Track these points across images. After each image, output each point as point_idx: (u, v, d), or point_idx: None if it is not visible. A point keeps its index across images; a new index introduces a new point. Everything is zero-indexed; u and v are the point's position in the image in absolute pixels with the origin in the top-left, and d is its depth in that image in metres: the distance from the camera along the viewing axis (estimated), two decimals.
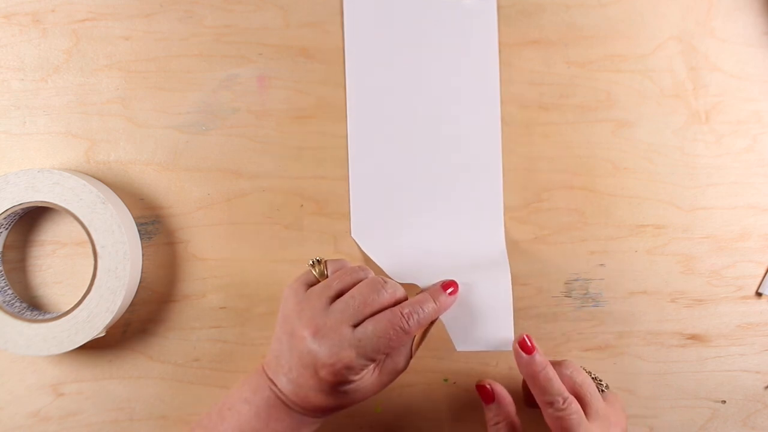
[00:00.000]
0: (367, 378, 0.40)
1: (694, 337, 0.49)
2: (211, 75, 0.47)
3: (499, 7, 0.48)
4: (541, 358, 0.41)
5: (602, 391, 0.44)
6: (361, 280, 0.40)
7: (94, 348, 0.46)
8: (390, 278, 0.42)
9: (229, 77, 0.47)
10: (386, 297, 0.39)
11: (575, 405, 0.40)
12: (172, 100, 0.47)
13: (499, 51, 0.48)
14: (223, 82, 0.47)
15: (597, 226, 0.49)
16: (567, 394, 0.40)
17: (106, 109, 0.47)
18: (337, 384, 0.38)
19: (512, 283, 0.48)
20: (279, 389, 0.40)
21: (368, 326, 0.38)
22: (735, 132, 0.50)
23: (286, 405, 0.40)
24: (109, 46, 0.47)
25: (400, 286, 0.41)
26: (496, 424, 0.43)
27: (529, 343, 0.41)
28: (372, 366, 0.40)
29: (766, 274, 0.50)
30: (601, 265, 0.49)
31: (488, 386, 0.44)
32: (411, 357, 0.42)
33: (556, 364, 0.43)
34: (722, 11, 0.50)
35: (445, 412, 0.49)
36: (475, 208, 0.48)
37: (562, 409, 0.40)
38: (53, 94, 0.46)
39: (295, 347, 0.39)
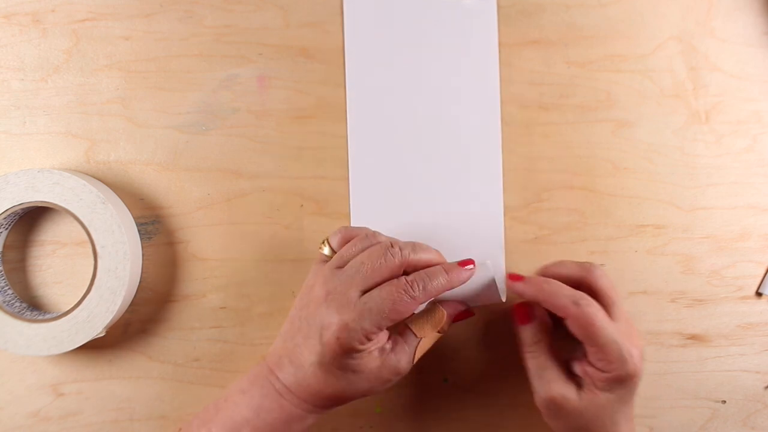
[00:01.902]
0: (368, 360, 0.39)
1: (694, 337, 0.50)
2: (211, 75, 0.47)
3: (499, 7, 0.48)
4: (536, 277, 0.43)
5: None
6: (370, 246, 0.40)
7: (94, 348, 0.46)
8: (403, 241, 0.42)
9: (229, 77, 0.47)
10: (395, 261, 0.39)
11: (594, 304, 0.40)
12: (172, 100, 0.47)
13: (499, 51, 0.48)
14: (223, 82, 0.47)
15: (597, 226, 0.49)
16: (582, 295, 0.40)
17: (106, 109, 0.47)
18: (340, 353, 0.38)
19: None
20: (277, 378, 0.40)
21: (374, 291, 0.38)
22: (735, 132, 0.50)
23: (280, 396, 0.40)
24: (109, 46, 0.47)
25: (417, 246, 0.41)
26: (537, 342, 0.43)
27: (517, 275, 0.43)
28: (375, 347, 0.39)
29: (766, 274, 0.50)
30: (601, 265, 0.49)
31: (524, 307, 0.44)
32: (413, 360, 0.41)
33: (582, 268, 0.43)
34: (722, 11, 0.50)
35: (445, 412, 0.49)
36: (475, 207, 0.48)
37: (584, 306, 0.40)
38: (53, 94, 0.46)
39: (306, 317, 0.39)
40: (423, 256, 0.41)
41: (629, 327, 0.41)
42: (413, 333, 0.41)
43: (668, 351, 0.49)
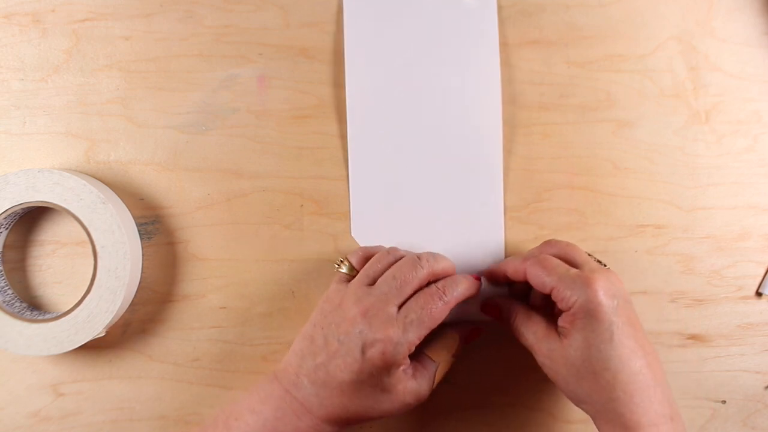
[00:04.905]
0: (397, 380, 0.39)
1: (694, 337, 0.49)
2: (211, 75, 0.47)
3: (499, 7, 0.48)
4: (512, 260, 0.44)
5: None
6: (394, 262, 0.42)
7: (94, 348, 0.46)
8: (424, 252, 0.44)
9: (229, 77, 0.47)
10: (424, 273, 0.41)
11: (547, 255, 0.42)
12: (172, 100, 0.47)
13: (499, 51, 0.48)
14: (223, 82, 0.47)
15: (597, 226, 0.49)
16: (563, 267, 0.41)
17: (106, 109, 0.47)
18: (381, 368, 0.38)
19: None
20: (295, 398, 0.40)
21: (411, 302, 0.40)
22: (735, 132, 0.50)
23: (297, 418, 0.39)
24: (109, 46, 0.47)
25: (435, 256, 0.43)
26: (514, 320, 0.43)
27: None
28: (402, 368, 0.39)
29: (766, 274, 0.50)
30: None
31: (486, 304, 0.45)
32: (433, 385, 0.42)
33: (545, 245, 0.44)
34: (722, 11, 0.50)
35: (445, 412, 0.49)
36: (475, 207, 0.48)
37: (535, 257, 0.42)
38: (53, 94, 0.46)
39: (337, 335, 0.39)
40: (442, 265, 0.43)
41: (597, 269, 0.40)
42: (430, 359, 0.42)
43: (668, 351, 0.49)
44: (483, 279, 0.45)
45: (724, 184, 0.50)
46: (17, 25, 0.46)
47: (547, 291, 0.40)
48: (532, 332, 0.42)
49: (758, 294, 0.50)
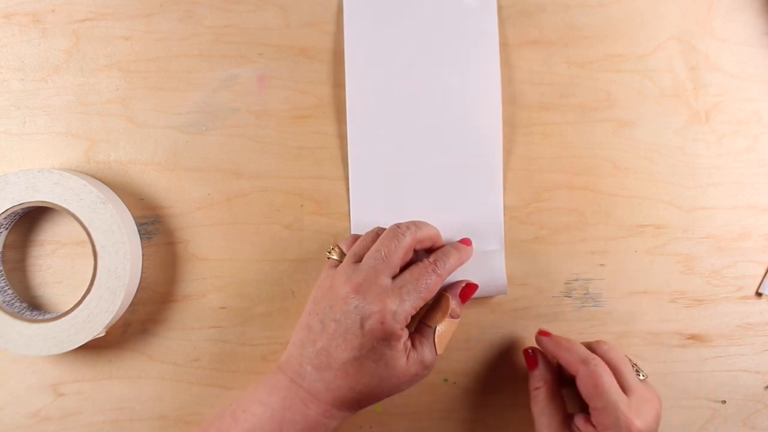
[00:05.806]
0: (398, 355, 0.39)
1: (694, 337, 0.50)
2: (211, 75, 0.47)
3: (499, 7, 0.48)
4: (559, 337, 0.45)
5: (640, 378, 0.43)
6: (377, 238, 0.42)
7: (94, 348, 0.46)
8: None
9: (229, 77, 0.47)
10: (407, 240, 0.41)
11: (606, 368, 0.41)
12: (172, 100, 0.47)
13: (499, 51, 0.48)
14: (223, 82, 0.47)
15: (597, 226, 0.49)
16: (595, 357, 0.41)
17: (106, 109, 0.47)
18: (381, 339, 0.38)
19: (512, 284, 0.48)
20: (300, 387, 0.40)
21: (405, 274, 0.41)
22: (735, 132, 0.50)
23: (305, 406, 0.40)
24: (109, 46, 0.47)
25: (418, 223, 0.43)
26: (537, 389, 0.44)
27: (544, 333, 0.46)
28: (402, 341, 0.39)
29: (766, 274, 0.50)
30: (601, 265, 0.49)
31: (531, 352, 0.46)
32: (436, 351, 0.42)
33: (593, 344, 0.44)
34: (722, 11, 0.50)
35: (445, 412, 0.49)
36: (475, 207, 0.48)
37: (593, 365, 0.41)
38: (53, 94, 0.46)
39: (333, 316, 0.39)
40: (425, 231, 0.43)
41: (642, 403, 0.40)
42: (426, 325, 0.42)
43: (668, 351, 0.49)
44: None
45: (724, 184, 0.50)
46: (17, 25, 0.46)
47: (591, 406, 0.40)
48: (549, 419, 0.42)
49: (758, 294, 0.50)
